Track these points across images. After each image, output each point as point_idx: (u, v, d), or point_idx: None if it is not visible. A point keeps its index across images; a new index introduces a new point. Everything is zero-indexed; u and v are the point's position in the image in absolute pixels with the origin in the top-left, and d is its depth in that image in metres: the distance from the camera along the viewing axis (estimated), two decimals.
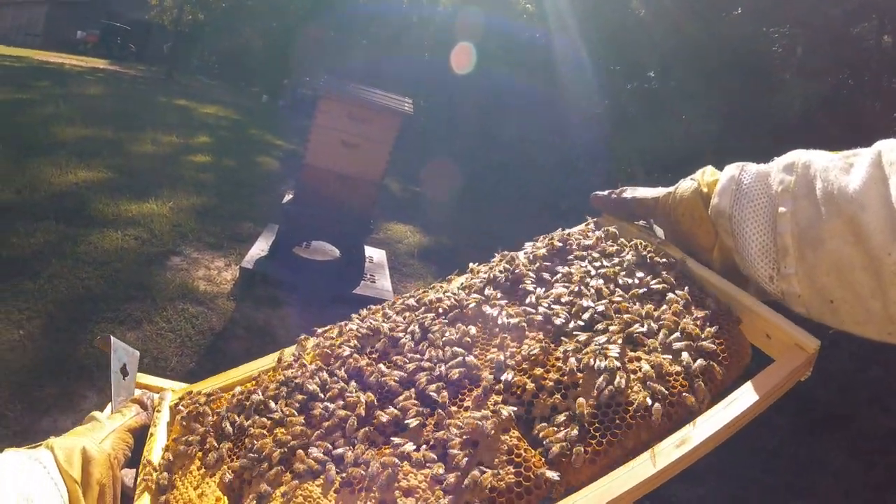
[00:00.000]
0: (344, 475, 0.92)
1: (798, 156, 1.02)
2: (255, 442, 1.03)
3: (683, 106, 7.63)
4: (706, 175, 1.16)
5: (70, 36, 37.22)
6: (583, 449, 0.88)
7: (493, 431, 0.91)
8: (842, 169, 0.92)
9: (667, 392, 0.93)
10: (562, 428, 0.91)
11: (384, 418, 0.99)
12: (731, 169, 1.11)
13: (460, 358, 1.07)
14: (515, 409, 0.95)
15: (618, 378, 0.94)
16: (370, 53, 18.70)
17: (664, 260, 1.20)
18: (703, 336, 1.01)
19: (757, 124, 6.66)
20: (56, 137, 9.84)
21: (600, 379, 0.95)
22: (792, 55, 6.69)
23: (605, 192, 1.36)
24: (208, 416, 1.16)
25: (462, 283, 1.32)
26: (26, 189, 7.04)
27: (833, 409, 5.54)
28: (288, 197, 6.00)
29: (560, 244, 1.33)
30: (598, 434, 0.90)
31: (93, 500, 0.91)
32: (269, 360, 1.29)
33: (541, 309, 1.13)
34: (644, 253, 1.22)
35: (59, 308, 4.74)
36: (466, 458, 0.89)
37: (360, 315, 1.33)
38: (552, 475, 0.85)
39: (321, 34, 20.56)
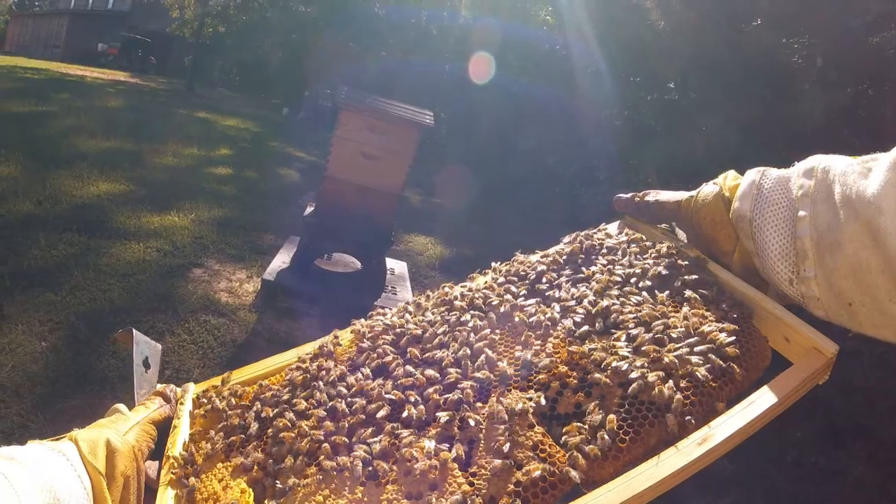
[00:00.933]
0: (370, 468, 0.94)
1: (818, 161, 1.03)
2: (280, 435, 1.04)
3: (703, 117, 7.59)
4: (728, 179, 1.19)
5: (91, 48, 37.58)
6: (605, 446, 0.89)
7: (516, 427, 0.93)
8: (860, 173, 0.93)
9: (689, 393, 0.95)
10: (586, 425, 0.93)
11: (412, 412, 1.00)
12: (752, 174, 1.13)
13: (484, 356, 1.09)
14: (537, 405, 0.97)
15: (640, 378, 0.95)
16: (389, 64, 18.77)
17: (685, 262, 1.21)
18: (723, 338, 1.02)
19: (776, 135, 6.62)
20: (77, 149, 9.92)
21: (623, 378, 0.97)
22: (812, 66, 6.64)
23: (629, 195, 1.39)
24: (232, 409, 1.17)
25: (486, 282, 1.34)
26: (48, 201, 7.09)
27: (854, 420, 5.48)
28: (309, 209, 6.00)
29: (585, 244, 1.35)
30: (620, 432, 0.91)
31: (117, 493, 0.92)
32: (290, 355, 1.32)
33: (565, 308, 1.16)
34: (666, 256, 1.24)
35: (82, 320, 4.77)
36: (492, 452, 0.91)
37: (383, 312, 1.36)
38: (574, 474, 0.87)
39: (340, 45, 20.66)
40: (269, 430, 1.07)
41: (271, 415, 1.10)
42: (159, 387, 1.22)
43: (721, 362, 0.98)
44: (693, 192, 1.24)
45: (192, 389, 1.25)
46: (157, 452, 1.08)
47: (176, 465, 1.05)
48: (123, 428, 1.02)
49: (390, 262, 6.58)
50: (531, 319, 1.14)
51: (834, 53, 6.21)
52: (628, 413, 0.93)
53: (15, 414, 3.67)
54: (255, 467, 1.02)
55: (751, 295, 1.12)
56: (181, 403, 1.20)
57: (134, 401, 1.16)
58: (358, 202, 5.70)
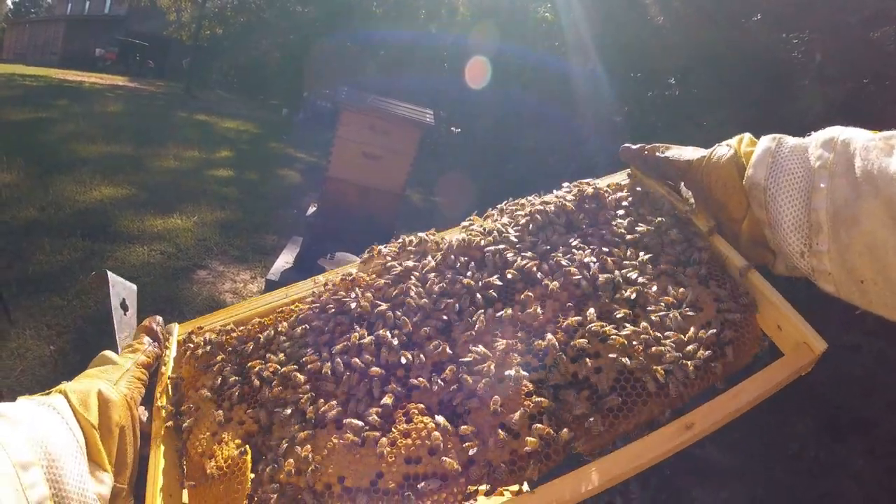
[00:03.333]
0: (367, 430, 0.94)
1: (837, 132, 1.01)
2: (277, 387, 1.04)
3: (703, 113, 7.60)
4: (744, 144, 1.16)
5: (88, 53, 37.50)
6: (601, 418, 0.93)
7: (511, 392, 0.96)
8: (882, 149, 0.91)
9: (682, 371, 0.97)
10: (582, 396, 0.95)
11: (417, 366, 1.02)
12: (767, 140, 1.11)
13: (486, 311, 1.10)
14: (533, 373, 0.98)
15: (633, 354, 0.98)
16: (389, 65, 18.73)
17: (691, 230, 1.21)
18: (720, 319, 1.04)
19: (777, 130, 6.64)
20: (78, 155, 9.95)
21: (618, 352, 0.99)
22: (811, 61, 6.65)
23: (637, 146, 1.34)
24: (220, 355, 1.15)
25: (487, 228, 1.30)
26: (50, 206, 7.12)
27: (855, 413, 5.48)
28: (311, 209, 6.02)
29: (590, 194, 1.33)
30: (615, 405, 0.95)
31: (113, 444, 0.90)
32: (279, 295, 1.27)
33: (566, 272, 1.14)
34: (671, 222, 1.22)
35: (89, 323, 4.79)
36: (490, 419, 0.93)
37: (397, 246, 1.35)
38: (566, 433, 0.90)
39: (339, 47, 20.62)
40: (262, 381, 1.06)
41: (265, 365, 1.08)
42: (146, 321, 1.18)
43: (715, 344, 1.01)
44: (706, 152, 1.20)
45: (177, 331, 1.23)
46: (148, 396, 1.07)
47: (165, 416, 1.05)
48: (114, 376, 1.00)
49: None
50: (537, 286, 1.14)
51: (833, 49, 6.21)
52: (623, 389, 0.96)
53: None
54: (251, 422, 1.01)
55: (752, 279, 1.12)
56: (166, 347, 1.17)
57: (116, 346, 1.13)
58: (360, 202, 5.71)
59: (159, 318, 1.20)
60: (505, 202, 1.41)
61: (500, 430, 0.92)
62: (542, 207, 1.29)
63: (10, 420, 0.77)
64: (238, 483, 0.93)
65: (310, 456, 0.91)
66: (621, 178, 1.40)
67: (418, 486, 0.87)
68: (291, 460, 0.92)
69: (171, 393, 1.09)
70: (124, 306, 1.21)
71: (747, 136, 1.17)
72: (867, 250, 0.90)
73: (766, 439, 5.02)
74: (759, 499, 4.72)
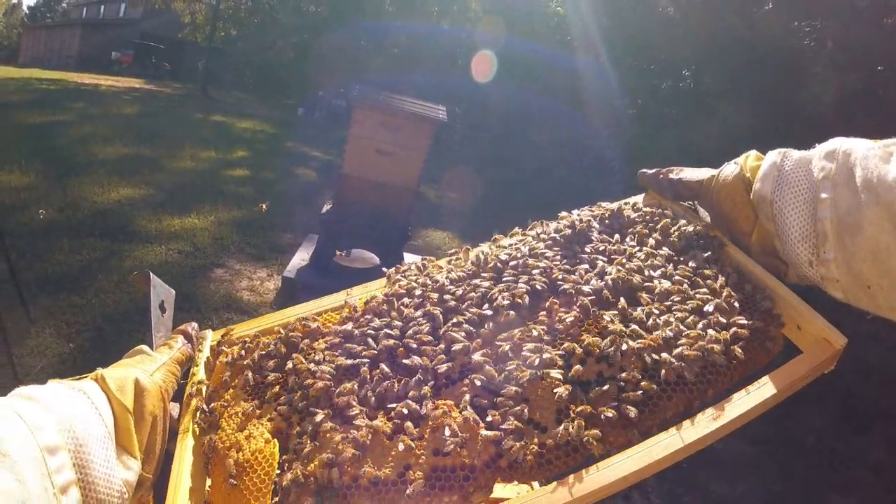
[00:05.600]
0: (395, 423, 0.96)
1: (839, 143, 1.03)
2: (305, 382, 1.05)
3: (717, 103, 7.58)
4: (749, 160, 1.19)
5: (104, 57, 37.67)
6: (626, 414, 0.94)
7: (539, 388, 0.98)
8: (881, 157, 0.93)
9: (702, 366, 1.00)
10: (608, 395, 0.97)
11: (441, 368, 1.03)
12: (773, 155, 1.13)
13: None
14: (560, 370, 1.00)
15: (655, 354, 1.00)
16: (401, 62, 18.73)
17: (705, 243, 1.24)
18: (739, 321, 1.06)
19: (791, 119, 6.60)
20: (95, 157, 10.05)
21: (642, 353, 1.00)
22: (823, 49, 6.61)
23: (653, 171, 1.39)
24: (251, 357, 1.17)
25: (513, 244, 1.34)
26: (69, 207, 7.19)
27: (873, 404, 5.46)
28: (327, 207, 6.05)
29: (610, 212, 1.37)
30: (640, 403, 0.96)
31: (145, 432, 0.91)
32: (312, 307, 1.29)
33: (588, 279, 1.17)
34: (687, 236, 1.26)
35: (108, 321, 4.84)
36: (517, 413, 0.94)
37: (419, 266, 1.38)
38: (594, 432, 0.91)
39: (352, 45, 20.64)
40: (292, 380, 1.08)
41: (295, 366, 1.10)
42: (180, 326, 1.20)
43: (735, 343, 1.03)
44: (715, 172, 1.24)
45: (210, 336, 1.25)
46: (177, 394, 1.08)
47: (195, 412, 1.06)
48: (151, 368, 1.01)
49: (408, 258, 6.60)
50: (561, 288, 1.16)
51: (845, 36, 6.19)
52: (647, 386, 0.97)
53: None
54: (280, 418, 1.02)
55: (767, 282, 1.15)
56: (199, 350, 1.20)
57: (152, 343, 1.14)
58: (374, 198, 5.73)
59: (195, 324, 1.23)
60: (529, 225, 1.44)
61: (528, 425, 0.94)
62: (566, 223, 1.35)
63: (40, 403, 0.76)
64: (265, 474, 0.93)
65: (337, 447, 0.92)
66: (639, 199, 1.45)
67: (446, 478, 0.89)
68: (318, 452, 0.93)
69: (202, 391, 1.11)
70: (162, 308, 1.23)
71: (753, 152, 1.21)
72: (871, 256, 0.92)
73: (783, 431, 5.00)
74: (776, 491, 4.71)
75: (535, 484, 0.93)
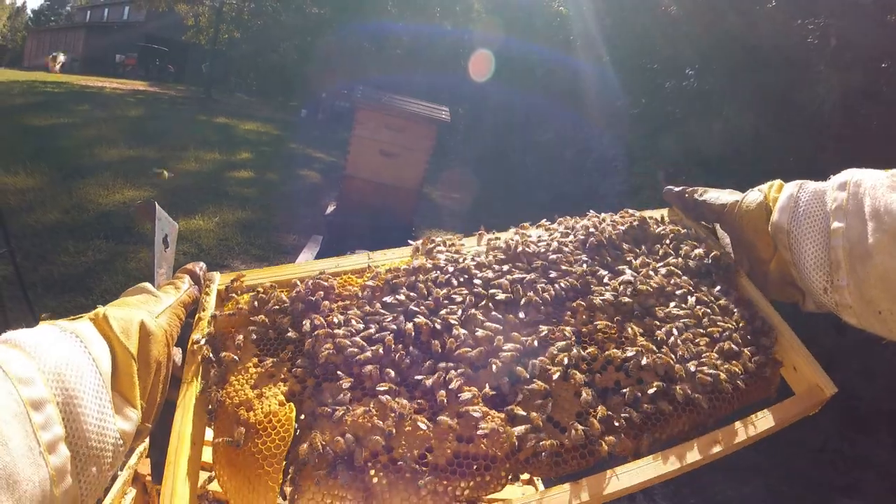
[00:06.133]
0: (419, 403, 0.97)
1: (851, 174, 1.08)
2: (325, 346, 1.01)
3: (720, 101, 7.58)
4: (773, 190, 1.23)
5: (109, 59, 37.66)
6: (640, 425, 1.00)
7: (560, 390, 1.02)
8: (889, 187, 0.98)
9: (709, 389, 1.07)
10: (624, 404, 1.02)
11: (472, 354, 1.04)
12: (791, 187, 1.19)
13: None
14: (581, 375, 1.03)
15: (671, 372, 1.07)
16: (404, 63, 18.72)
17: (724, 273, 1.31)
18: (747, 354, 1.15)
19: (795, 117, 6.59)
20: (100, 159, 10.07)
21: (659, 369, 1.07)
22: (826, 46, 6.60)
23: (678, 189, 1.44)
24: (265, 309, 1.10)
25: (539, 237, 1.36)
26: (74, 209, 7.22)
27: (878, 406, 5.46)
28: (330, 208, 6.07)
29: (638, 221, 1.42)
30: (653, 417, 1.02)
31: (148, 379, 0.87)
32: (330, 263, 1.23)
33: (615, 287, 1.22)
34: (707, 262, 1.32)
35: None
36: (541, 409, 0.98)
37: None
38: (611, 438, 0.96)
39: (355, 46, 20.63)
40: (309, 340, 1.03)
41: (313, 324, 1.05)
42: (189, 265, 1.12)
43: (739, 381, 1.10)
44: (739, 197, 1.29)
45: (218, 280, 1.15)
46: (180, 339, 1.00)
47: (203, 364, 1.00)
48: (156, 310, 0.95)
49: None
50: (586, 294, 1.20)
51: (848, 33, 6.18)
52: (660, 400, 1.03)
53: None
54: (294, 380, 0.98)
55: (773, 322, 1.22)
56: (206, 294, 1.11)
57: (154, 278, 1.12)
58: (378, 199, 5.75)
59: (203, 264, 1.15)
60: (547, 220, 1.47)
61: (549, 423, 0.97)
62: (593, 225, 1.39)
63: (24, 349, 0.71)
64: (280, 440, 0.89)
65: (360, 421, 0.91)
66: (665, 213, 1.50)
67: (467, 464, 0.90)
68: (337, 424, 0.91)
69: (209, 338, 1.03)
70: (165, 242, 1.23)
71: (777, 182, 1.25)
72: (881, 282, 0.97)
73: (789, 433, 4.97)
74: (782, 493, 4.71)
75: (539, 484, 0.96)
